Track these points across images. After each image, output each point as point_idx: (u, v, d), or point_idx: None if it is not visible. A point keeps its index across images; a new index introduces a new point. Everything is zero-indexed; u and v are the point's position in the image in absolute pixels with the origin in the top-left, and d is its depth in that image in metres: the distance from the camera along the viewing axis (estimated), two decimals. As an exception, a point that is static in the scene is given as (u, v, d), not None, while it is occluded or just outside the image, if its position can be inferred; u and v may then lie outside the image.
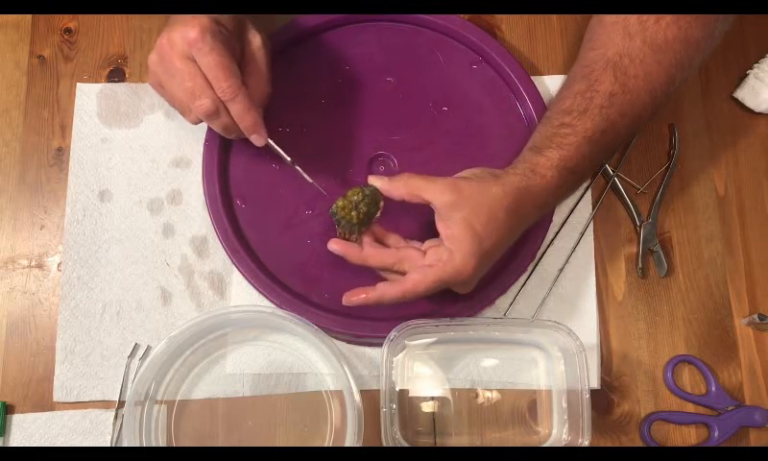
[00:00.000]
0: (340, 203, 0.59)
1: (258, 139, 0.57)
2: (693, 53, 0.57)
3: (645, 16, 0.56)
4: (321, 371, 0.62)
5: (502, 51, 0.68)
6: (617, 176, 0.67)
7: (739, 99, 0.70)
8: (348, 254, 0.58)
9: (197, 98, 0.53)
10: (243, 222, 0.64)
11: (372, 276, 0.63)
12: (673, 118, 0.70)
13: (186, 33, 0.51)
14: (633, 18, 0.56)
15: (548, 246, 0.65)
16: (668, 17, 0.55)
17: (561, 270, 0.65)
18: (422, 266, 0.54)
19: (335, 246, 0.59)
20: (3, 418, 0.60)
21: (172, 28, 0.53)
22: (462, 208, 0.53)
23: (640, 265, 0.65)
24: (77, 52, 0.70)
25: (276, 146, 0.59)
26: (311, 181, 0.61)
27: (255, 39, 0.57)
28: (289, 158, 0.60)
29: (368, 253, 0.58)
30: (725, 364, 0.64)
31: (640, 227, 0.66)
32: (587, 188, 0.67)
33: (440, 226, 0.55)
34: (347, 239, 0.60)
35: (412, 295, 0.54)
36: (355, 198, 0.59)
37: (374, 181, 0.58)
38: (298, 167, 0.61)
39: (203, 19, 0.52)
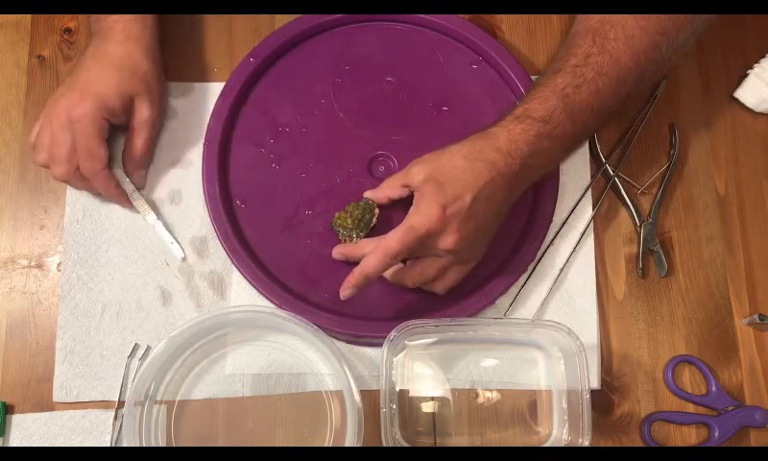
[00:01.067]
0: (337, 214, 0.62)
1: (124, 205, 0.65)
2: (681, 22, 0.57)
3: None
4: (321, 371, 0.62)
5: (502, 51, 0.68)
6: (618, 176, 0.67)
7: (739, 99, 0.70)
8: (348, 253, 0.61)
9: (55, 163, 0.60)
10: (243, 222, 0.64)
11: (372, 276, 0.63)
12: (673, 118, 0.70)
13: (71, 108, 0.59)
14: None
15: (548, 246, 0.65)
16: None
17: (561, 270, 0.65)
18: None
19: (336, 251, 0.62)
20: (3, 418, 0.60)
21: (63, 94, 0.60)
22: (425, 169, 0.56)
23: (641, 265, 0.65)
24: (77, 52, 0.70)
25: (141, 205, 0.65)
26: (172, 240, 0.65)
27: (142, 115, 0.62)
28: (154, 216, 0.65)
29: (362, 243, 0.60)
30: (725, 364, 0.64)
31: (641, 227, 0.66)
32: (587, 188, 0.67)
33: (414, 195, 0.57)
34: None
35: (390, 254, 0.54)
36: (350, 208, 0.61)
37: (367, 193, 0.62)
38: (156, 224, 0.65)
39: (88, 102, 0.59)
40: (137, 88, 0.61)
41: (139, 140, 0.63)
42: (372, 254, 0.55)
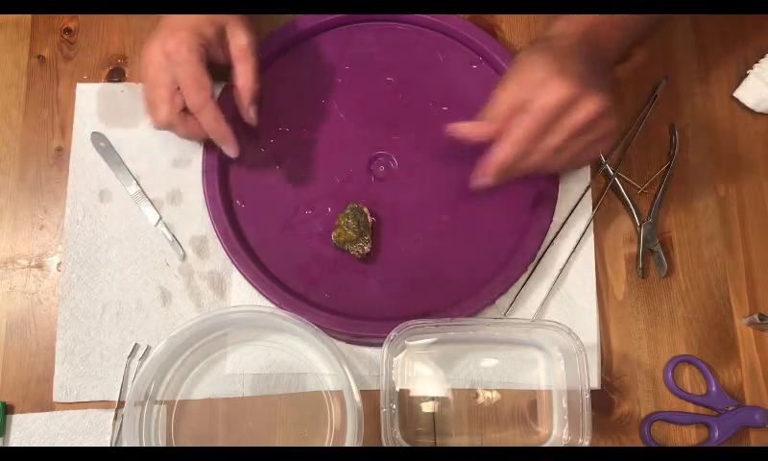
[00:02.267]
0: (335, 233, 0.62)
1: (229, 150, 0.60)
2: None
3: None
4: (321, 371, 0.62)
5: (502, 51, 0.68)
6: (618, 176, 0.67)
7: (739, 99, 0.70)
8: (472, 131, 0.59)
9: (156, 107, 0.57)
10: (243, 222, 0.64)
11: (373, 276, 0.63)
12: (673, 118, 0.70)
13: (164, 44, 0.55)
14: None
15: (548, 246, 0.65)
16: None
17: (561, 270, 0.65)
18: None
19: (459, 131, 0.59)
20: (3, 418, 0.60)
21: (154, 36, 0.56)
22: (509, 76, 0.57)
23: (641, 265, 0.65)
24: (77, 52, 0.70)
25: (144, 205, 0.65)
26: (172, 240, 0.64)
27: (241, 40, 0.59)
28: (157, 215, 0.65)
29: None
30: (725, 364, 0.64)
31: (641, 227, 0.66)
32: (587, 189, 0.67)
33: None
34: (359, 253, 0.62)
35: (519, 136, 0.54)
36: (343, 221, 0.62)
37: (458, 128, 0.59)
38: (159, 224, 0.65)
39: (182, 33, 0.55)
40: (226, 17, 0.58)
41: (246, 67, 0.58)
42: (504, 142, 0.55)
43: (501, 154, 0.55)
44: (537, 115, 0.53)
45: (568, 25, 0.56)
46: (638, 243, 0.66)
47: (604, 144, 0.57)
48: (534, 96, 0.53)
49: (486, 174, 0.57)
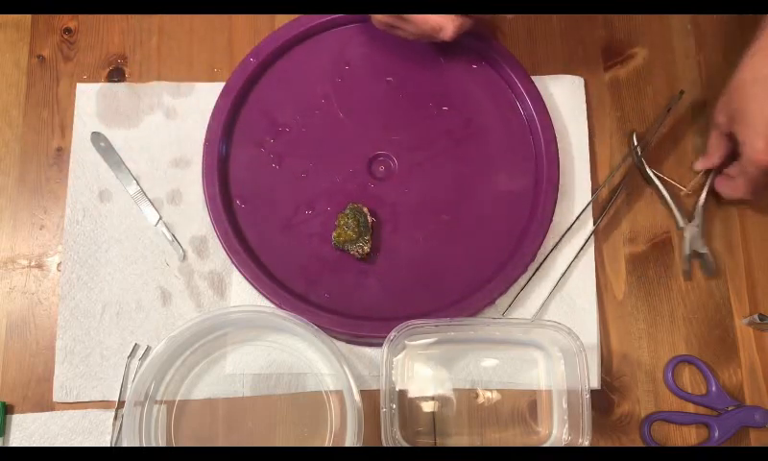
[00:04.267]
0: (335, 233, 0.62)
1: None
2: None
3: None
4: (321, 371, 0.62)
5: (502, 51, 0.68)
6: (658, 177, 0.67)
7: None
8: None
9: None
10: (243, 222, 0.64)
11: (373, 276, 0.63)
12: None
13: None
14: None
15: (552, 249, 0.65)
16: None
17: (563, 274, 0.65)
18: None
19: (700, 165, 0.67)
20: (3, 418, 0.60)
21: None
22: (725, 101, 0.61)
23: (686, 268, 0.65)
24: (77, 52, 0.70)
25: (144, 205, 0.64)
26: (172, 240, 0.64)
27: None
28: (157, 215, 0.64)
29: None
30: (725, 364, 0.64)
31: (685, 228, 0.66)
32: (596, 193, 0.67)
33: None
34: (359, 253, 0.62)
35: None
36: (343, 221, 0.62)
37: (697, 165, 0.67)
38: (159, 224, 0.64)
39: None
40: None
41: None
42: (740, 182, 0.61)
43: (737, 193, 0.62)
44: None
45: None
46: (683, 245, 0.66)
47: None
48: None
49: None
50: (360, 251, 0.61)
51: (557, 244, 0.65)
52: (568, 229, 0.66)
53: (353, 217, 0.61)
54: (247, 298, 0.64)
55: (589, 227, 0.66)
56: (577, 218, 0.66)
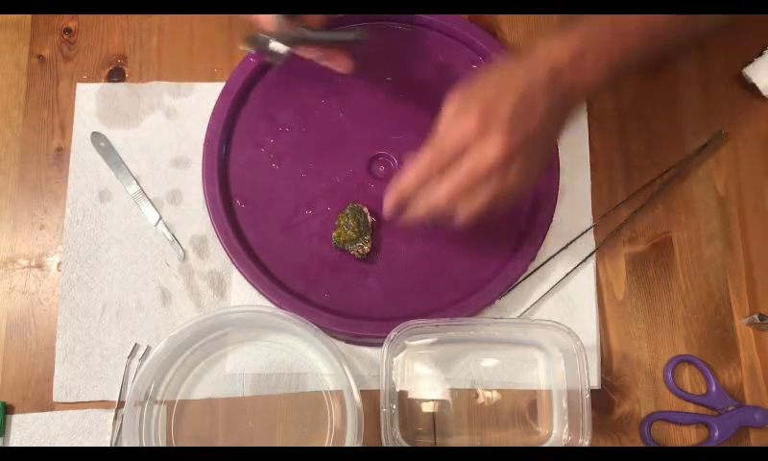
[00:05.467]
0: (335, 233, 0.62)
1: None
2: None
3: None
4: (321, 371, 0.62)
5: (502, 51, 0.68)
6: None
7: (751, 78, 0.68)
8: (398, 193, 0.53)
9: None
10: (243, 222, 0.64)
11: (373, 276, 0.63)
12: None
13: None
14: None
15: (554, 255, 0.65)
16: None
17: (565, 275, 0.65)
18: None
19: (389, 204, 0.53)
20: (3, 418, 0.60)
21: None
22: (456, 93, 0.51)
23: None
24: (77, 52, 0.70)
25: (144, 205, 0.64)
26: (172, 239, 0.64)
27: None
28: (157, 215, 0.64)
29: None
30: (725, 364, 0.64)
31: None
32: (588, 228, 0.67)
33: None
34: (359, 253, 0.62)
35: (417, 167, 0.49)
36: (342, 220, 0.62)
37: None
38: (159, 224, 0.64)
39: None
40: None
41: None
42: (407, 169, 0.50)
43: (396, 185, 0.51)
44: (433, 149, 0.49)
45: (553, 50, 0.49)
46: None
47: (497, 201, 0.49)
48: (444, 125, 0.49)
49: (389, 207, 0.52)
50: (360, 251, 0.61)
51: (559, 252, 0.65)
52: (571, 241, 0.66)
53: (353, 217, 0.62)
54: (247, 298, 0.64)
55: (589, 226, 0.66)
56: (577, 237, 0.66)
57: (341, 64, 0.59)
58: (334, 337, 0.62)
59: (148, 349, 0.63)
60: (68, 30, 0.71)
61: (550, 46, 0.49)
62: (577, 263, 0.65)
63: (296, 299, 0.61)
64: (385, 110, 0.68)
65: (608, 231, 0.67)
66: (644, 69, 0.53)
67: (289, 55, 0.58)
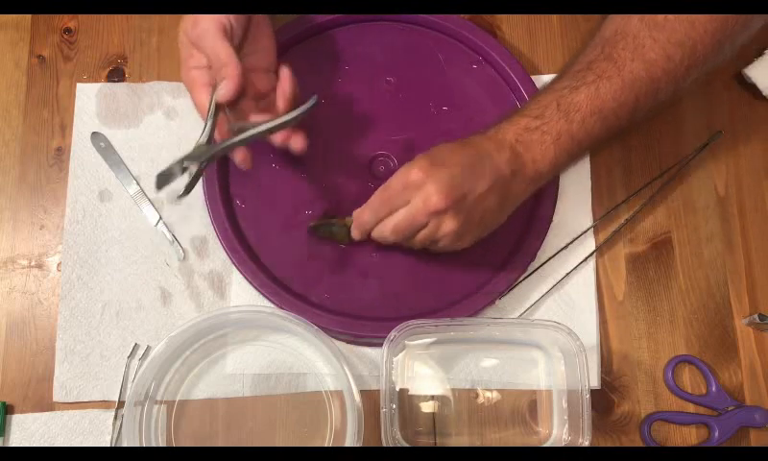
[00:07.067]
0: (335, 230, 0.63)
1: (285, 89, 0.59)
2: (698, 36, 0.55)
3: None
4: (321, 371, 0.62)
5: (502, 51, 0.68)
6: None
7: (751, 78, 0.68)
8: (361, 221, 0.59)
9: (195, 86, 0.56)
10: (243, 222, 0.64)
11: (374, 274, 0.63)
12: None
13: (190, 30, 0.54)
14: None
15: (555, 254, 0.65)
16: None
17: (565, 275, 0.65)
18: None
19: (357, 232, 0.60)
20: (3, 418, 0.60)
21: (180, 31, 0.56)
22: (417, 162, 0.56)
23: None
24: (77, 52, 0.70)
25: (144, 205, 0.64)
26: (172, 240, 0.64)
27: (268, 41, 0.59)
28: (157, 215, 0.64)
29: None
30: (725, 364, 0.64)
31: None
32: (589, 227, 0.67)
33: None
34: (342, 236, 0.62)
35: (371, 205, 0.56)
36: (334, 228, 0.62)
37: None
38: (159, 224, 0.64)
39: (205, 18, 0.54)
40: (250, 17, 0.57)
41: (266, 36, 0.59)
42: (365, 206, 0.57)
43: (357, 217, 0.58)
44: (382, 191, 0.55)
45: (510, 126, 0.56)
46: None
47: (432, 245, 0.57)
48: (398, 171, 0.55)
49: (353, 234, 0.60)
50: (341, 235, 0.62)
51: (560, 251, 0.65)
52: (573, 240, 0.66)
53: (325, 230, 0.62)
54: (247, 298, 0.64)
55: (589, 226, 0.66)
56: (578, 237, 0.66)
57: (297, 144, 0.58)
58: (334, 337, 0.62)
59: (148, 349, 0.63)
60: (68, 30, 0.71)
61: (499, 128, 0.56)
62: (577, 263, 0.65)
63: (296, 299, 0.61)
64: (385, 110, 0.68)
65: (608, 232, 0.67)
66: (597, 144, 0.58)
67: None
